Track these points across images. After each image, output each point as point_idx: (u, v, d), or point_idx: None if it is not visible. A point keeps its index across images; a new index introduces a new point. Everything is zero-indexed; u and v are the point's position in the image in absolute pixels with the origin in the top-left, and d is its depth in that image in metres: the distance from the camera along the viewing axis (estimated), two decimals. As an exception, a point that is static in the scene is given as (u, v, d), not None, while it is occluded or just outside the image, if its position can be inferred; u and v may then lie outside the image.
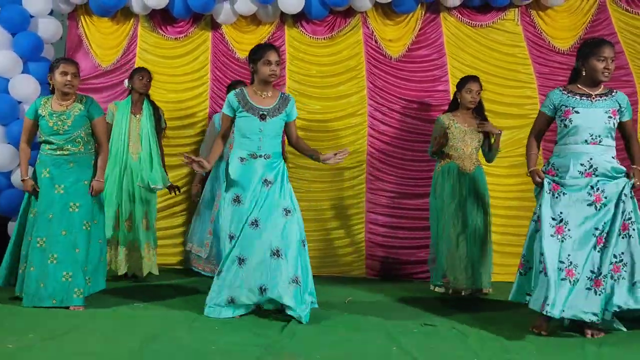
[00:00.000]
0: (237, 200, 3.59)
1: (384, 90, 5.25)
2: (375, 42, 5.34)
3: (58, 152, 3.84)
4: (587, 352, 3.02)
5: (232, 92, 3.69)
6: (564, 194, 3.36)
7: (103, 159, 3.97)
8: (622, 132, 3.51)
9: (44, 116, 3.84)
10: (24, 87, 5.06)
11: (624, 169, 3.39)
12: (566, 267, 3.27)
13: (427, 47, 5.35)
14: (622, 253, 3.29)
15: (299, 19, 5.40)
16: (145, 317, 3.62)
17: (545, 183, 3.42)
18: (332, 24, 5.40)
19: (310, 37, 5.39)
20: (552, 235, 3.33)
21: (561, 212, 3.34)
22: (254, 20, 5.44)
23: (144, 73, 4.82)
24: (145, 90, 4.82)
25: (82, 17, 5.55)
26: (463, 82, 4.44)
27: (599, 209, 3.31)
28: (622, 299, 3.25)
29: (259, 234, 3.54)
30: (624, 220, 3.30)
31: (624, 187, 3.33)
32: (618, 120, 3.41)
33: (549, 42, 5.27)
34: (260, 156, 3.61)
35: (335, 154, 3.61)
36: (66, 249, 3.76)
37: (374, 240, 5.12)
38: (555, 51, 5.24)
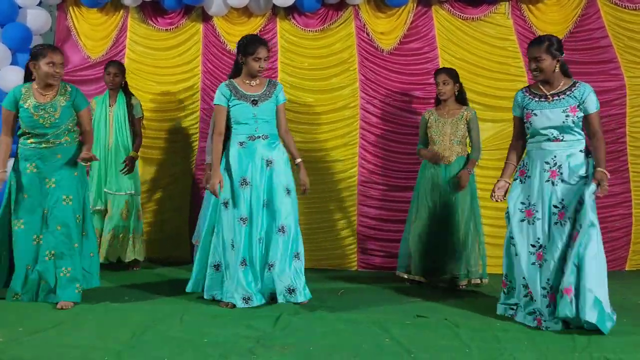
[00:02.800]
0: (244, 182, 3.70)
1: (376, 83, 5.24)
2: (367, 35, 5.33)
3: (44, 145, 3.67)
4: (577, 343, 3.03)
5: (222, 84, 3.81)
6: (537, 219, 3.37)
7: (89, 147, 3.78)
8: (587, 128, 3.40)
9: (27, 108, 3.64)
10: (13, 78, 4.99)
11: (586, 170, 3.35)
12: (548, 293, 3.32)
13: (418, 40, 5.35)
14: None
15: (291, 11, 5.38)
16: (135, 310, 3.59)
17: (518, 211, 3.44)
18: (324, 16, 5.38)
19: (303, 29, 5.37)
20: (533, 264, 3.37)
21: (539, 238, 3.37)
22: (246, 12, 5.41)
23: (111, 68, 4.86)
24: (113, 85, 4.85)
25: (71, 8, 5.52)
26: (434, 77, 4.56)
27: (563, 225, 3.32)
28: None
29: (271, 214, 3.71)
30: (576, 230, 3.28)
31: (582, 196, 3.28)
32: (581, 115, 3.35)
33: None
34: (259, 137, 3.75)
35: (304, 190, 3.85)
36: (64, 244, 3.65)
37: (365, 233, 5.13)
38: (545, 45, 5.24)
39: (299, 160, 3.85)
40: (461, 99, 4.54)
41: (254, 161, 3.72)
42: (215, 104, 3.80)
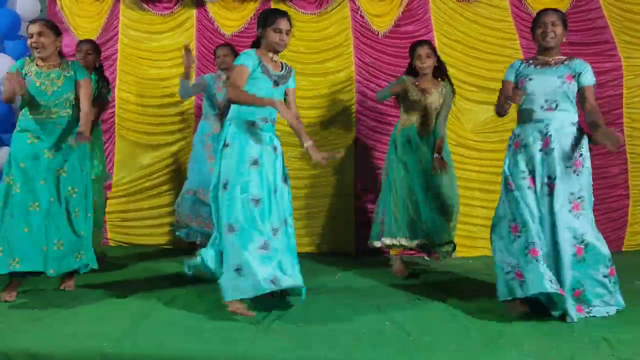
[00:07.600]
0: (256, 163, 3.31)
1: (372, 67, 5.21)
2: (362, 17, 5.29)
3: (44, 115, 3.57)
4: (574, 324, 3.04)
5: (252, 50, 3.38)
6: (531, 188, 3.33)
7: (85, 124, 3.59)
8: (584, 103, 3.34)
9: (30, 75, 3.56)
10: (2, 66, 4.91)
11: (581, 138, 3.30)
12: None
13: (414, 23, 5.31)
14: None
15: (286, -6, 5.35)
16: (134, 297, 3.58)
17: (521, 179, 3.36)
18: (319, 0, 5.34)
19: (297, 12, 5.31)
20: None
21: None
22: (240, -4, 5.37)
23: (82, 45, 4.52)
24: (85, 64, 4.40)
25: (60, -7, 5.44)
26: (412, 50, 4.30)
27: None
28: None
29: (277, 202, 3.39)
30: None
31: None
32: (575, 86, 3.34)
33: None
34: (271, 120, 3.41)
35: (324, 157, 3.29)
36: (59, 217, 3.57)
37: (363, 217, 5.12)
38: (541, 26, 5.21)
39: (309, 143, 3.27)
40: (439, 73, 4.31)
41: (264, 144, 3.36)
42: (239, 64, 3.25)
